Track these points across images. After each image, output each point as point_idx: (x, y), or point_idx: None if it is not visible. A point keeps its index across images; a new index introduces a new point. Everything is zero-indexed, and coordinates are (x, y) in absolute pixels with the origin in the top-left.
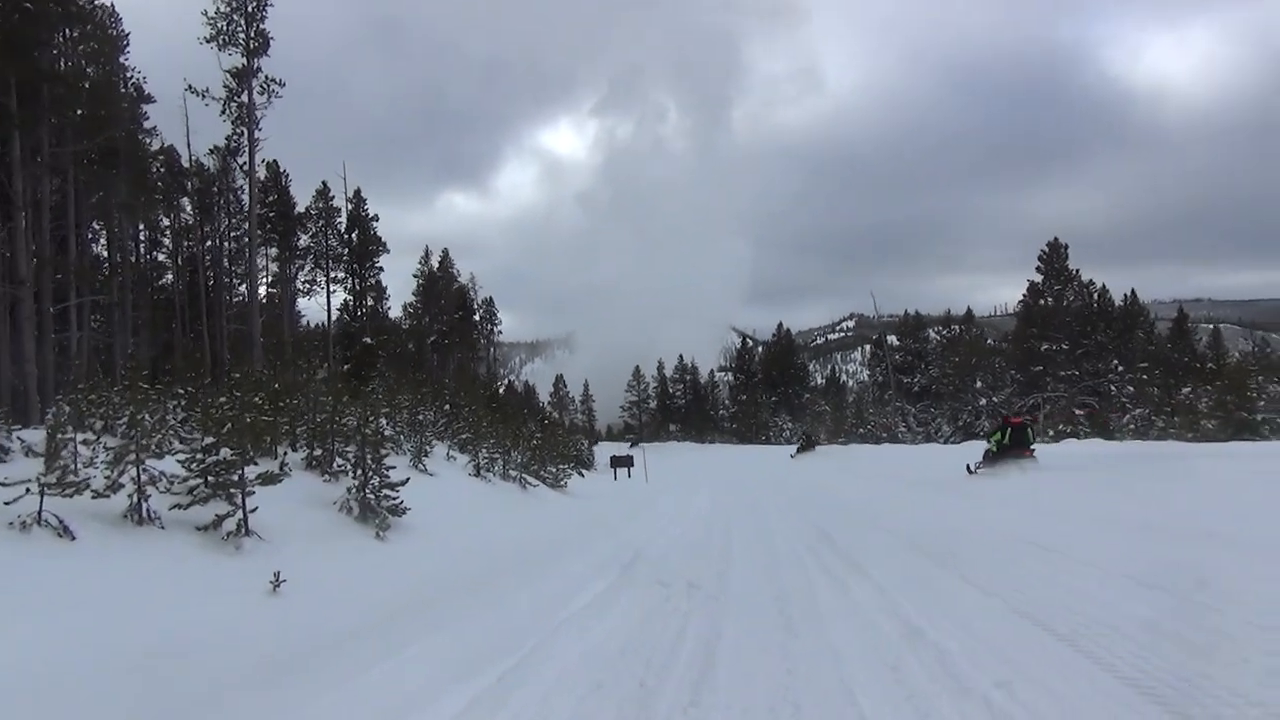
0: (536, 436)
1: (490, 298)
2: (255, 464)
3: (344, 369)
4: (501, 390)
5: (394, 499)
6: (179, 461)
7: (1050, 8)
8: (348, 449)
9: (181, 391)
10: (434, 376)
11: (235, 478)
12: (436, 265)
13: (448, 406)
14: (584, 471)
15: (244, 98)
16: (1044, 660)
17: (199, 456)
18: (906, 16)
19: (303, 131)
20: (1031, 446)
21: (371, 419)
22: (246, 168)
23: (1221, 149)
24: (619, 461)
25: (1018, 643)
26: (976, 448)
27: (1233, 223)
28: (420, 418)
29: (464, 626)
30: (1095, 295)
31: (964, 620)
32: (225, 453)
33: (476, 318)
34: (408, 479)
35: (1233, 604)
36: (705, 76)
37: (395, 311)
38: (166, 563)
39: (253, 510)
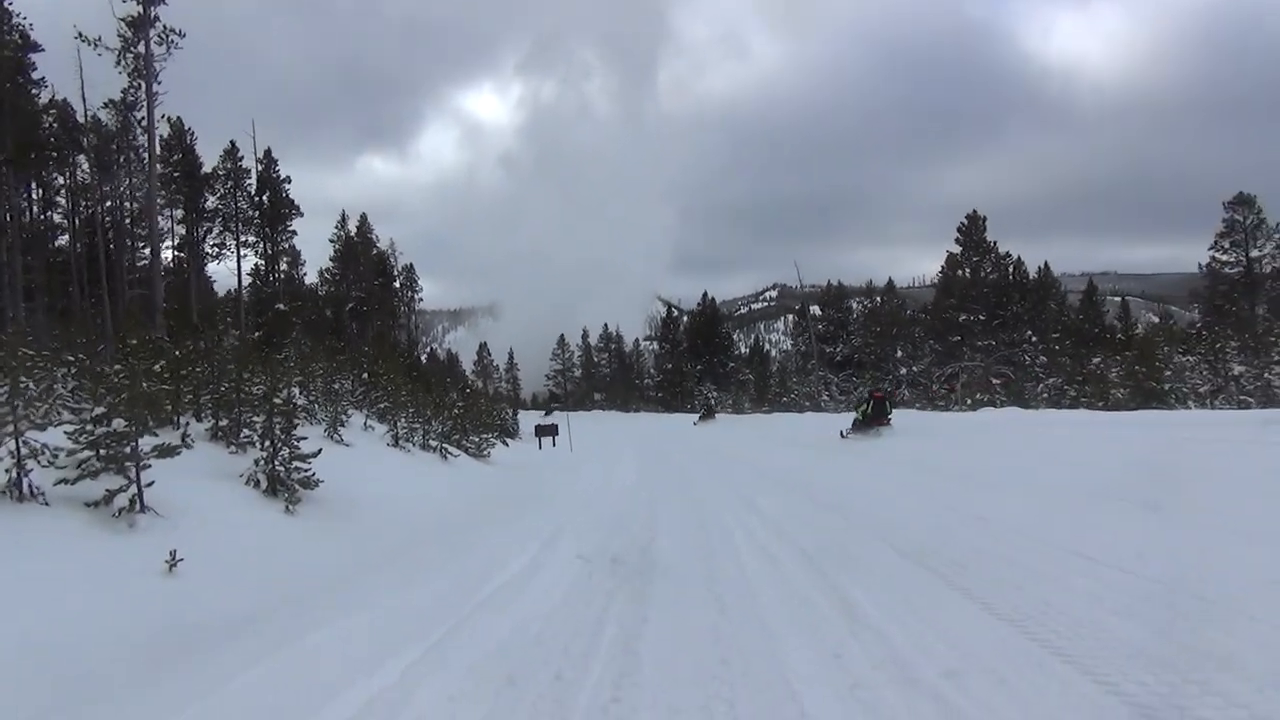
0: (458, 405)
1: (411, 264)
2: (155, 435)
3: (255, 336)
4: (424, 359)
5: (305, 471)
6: (66, 434)
7: None
8: (256, 419)
9: (72, 359)
10: (352, 344)
11: (128, 450)
12: (354, 230)
13: (365, 375)
14: (508, 441)
15: (141, 48)
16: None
17: (88, 428)
18: None
19: (214, 91)
20: (889, 416)
21: (281, 387)
22: (145, 123)
23: (1128, 127)
24: (543, 430)
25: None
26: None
27: (1138, 199)
28: (336, 386)
29: (373, 608)
30: (1011, 267)
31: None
32: (118, 424)
33: (397, 284)
34: (320, 450)
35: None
36: (631, 41)
37: (312, 278)
38: (48, 542)
39: (149, 485)
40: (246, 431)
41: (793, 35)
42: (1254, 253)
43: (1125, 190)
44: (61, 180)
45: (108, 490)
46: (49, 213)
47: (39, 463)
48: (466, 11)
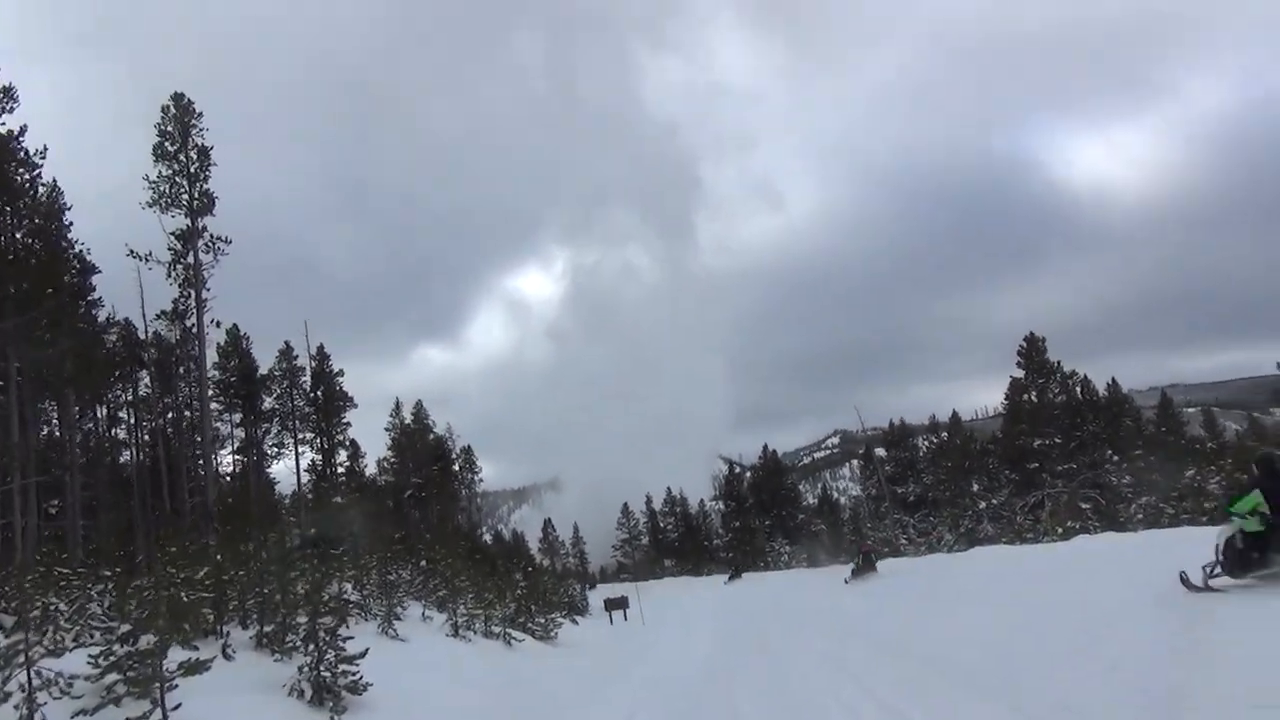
0: (520, 586)
1: (468, 446)
2: (195, 648)
3: (311, 532)
4: (489, 539)
5: (353, 674)
6: (89, 658)
7: (982, 122)
8: (299, 621)
9: (108, 574)
10: (413, 531)
11: (151, 670)
12: (410, 418)
13: (423, 563)
14: (577, 618)
15: (190, 259)
16: None
17: (114, 647)
18: (850, 141)
19: (273, 299)
20: (875, 566)
21: (329, 584)
22: (195, 330)
23: (1168, 240)
24: (613, 604)
25: None
26: (982, 553)
27: (1194, 309)
28: (391, 578)
29: None
30: (1078, 386)
31: None
32: (146, 640)
33: (456, 468)
34: (367, 650)
35: None
36: (667, 203)
37: (373, 469)
38: None
39: (175, 708)
40: (291, 637)
41: (821, 185)
42: None
43: (1178, 301)
44: (124, 396)
45: (128, 719)
46: (113, 429)
47: (51, 694)
48: (505, 196)
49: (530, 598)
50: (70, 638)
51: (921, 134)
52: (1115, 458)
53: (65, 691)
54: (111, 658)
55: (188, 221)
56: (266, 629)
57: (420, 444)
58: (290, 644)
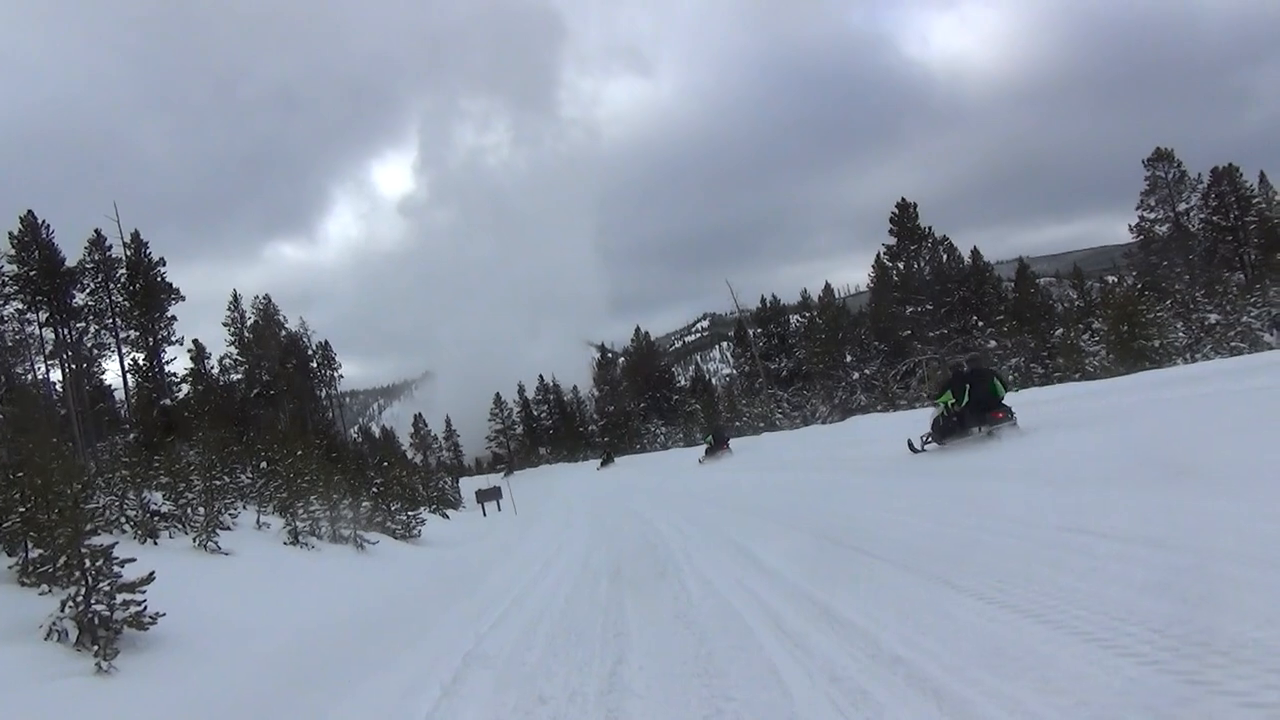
0: (376, 484)
1: (325, 341)
2: None
3: (131, 438)
4: (358, 438)
5: (137, 604)
6: None
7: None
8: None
9: None
10: (260, 431)
11: None
12: (258, 313)
13: (263, 464)
14: (448, 512)
15: None
16: None
17: None
18: (715, 20)
19: (94, 200)
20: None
21: (86, 494)
22: None
23: (1016, 116)
24: (485, 495)
25: None
26: (859, 424)
27: (1037, 184)
28: (218, 483)
29: None
30: (945, 254)
31: None
32: None
33: (314, 365)
34: (152, 574)
35: None
36: (527, 73)
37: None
38: None
39: None
40: (49, 566)
41: (688, 65)
42: (1180, 206)
43: (1024, 178)
44: None
45: None
46: None
47: None
48: (346, 63)
49: (388, 494)
50: None
51: (785, 12)
52: (980, 324)
53: None
54: None
55: None
56: (33, 555)
57: (270, 341)
58: (47, 571)
